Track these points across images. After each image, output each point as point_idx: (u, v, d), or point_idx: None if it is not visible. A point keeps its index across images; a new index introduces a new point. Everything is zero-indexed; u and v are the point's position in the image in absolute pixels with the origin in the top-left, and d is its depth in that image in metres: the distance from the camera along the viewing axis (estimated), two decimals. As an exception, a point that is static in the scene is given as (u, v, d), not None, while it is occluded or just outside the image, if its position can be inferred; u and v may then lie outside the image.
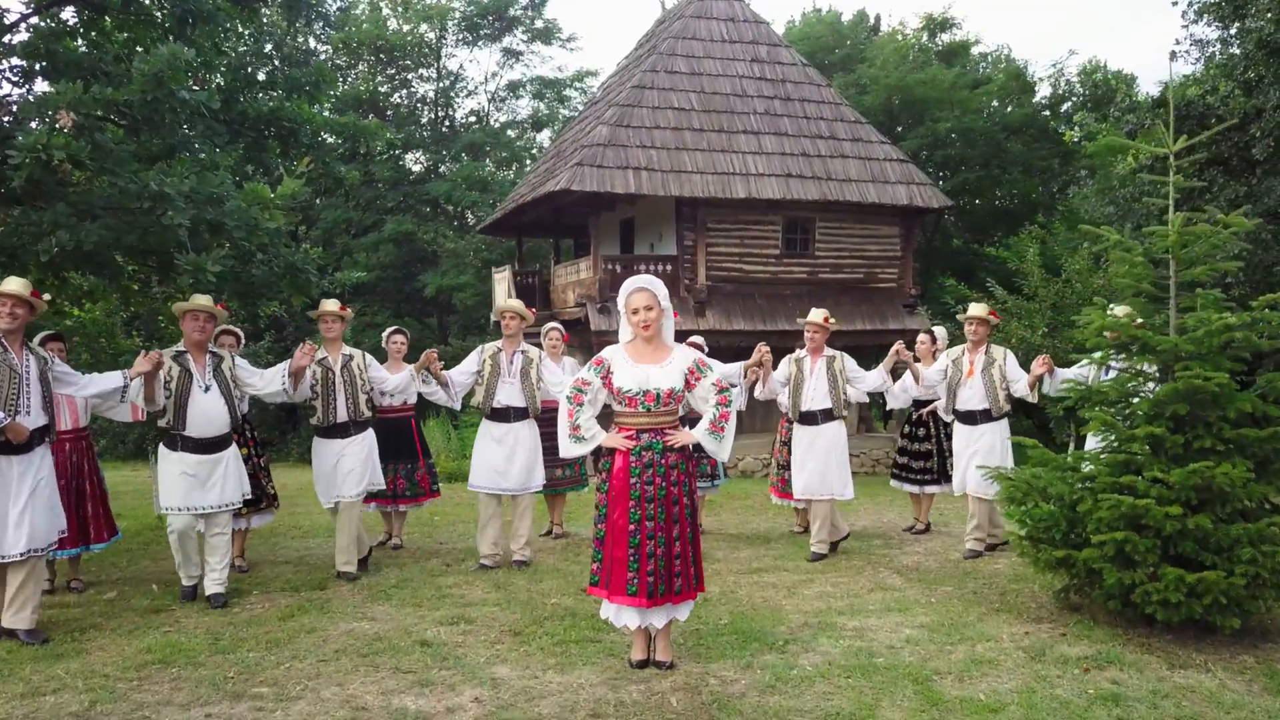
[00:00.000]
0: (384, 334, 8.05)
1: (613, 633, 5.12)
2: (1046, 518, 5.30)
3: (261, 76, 8.76)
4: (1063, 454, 5.89)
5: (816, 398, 7.35)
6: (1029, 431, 22.42)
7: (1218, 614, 4.72)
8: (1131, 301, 5.43)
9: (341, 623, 5.46)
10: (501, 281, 19.60)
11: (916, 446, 8.57)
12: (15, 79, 7.26)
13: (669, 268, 16.02)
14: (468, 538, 8.48)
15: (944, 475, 8.40)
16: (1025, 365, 7.53)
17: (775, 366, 7.50)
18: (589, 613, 5.56)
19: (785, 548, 7.95)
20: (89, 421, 6.53)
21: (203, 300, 5.85)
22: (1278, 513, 4.98)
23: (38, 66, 6.89)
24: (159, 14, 7.45)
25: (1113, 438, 5.28)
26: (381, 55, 28.60)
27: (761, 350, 6.86)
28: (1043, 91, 27.68)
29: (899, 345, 7.25)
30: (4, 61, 7.21)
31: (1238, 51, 13.29)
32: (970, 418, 7.28)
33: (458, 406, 7.45)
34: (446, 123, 30.40)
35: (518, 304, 7.26)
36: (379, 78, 29.16)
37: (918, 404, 8.40)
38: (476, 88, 31.85)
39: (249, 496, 6.29)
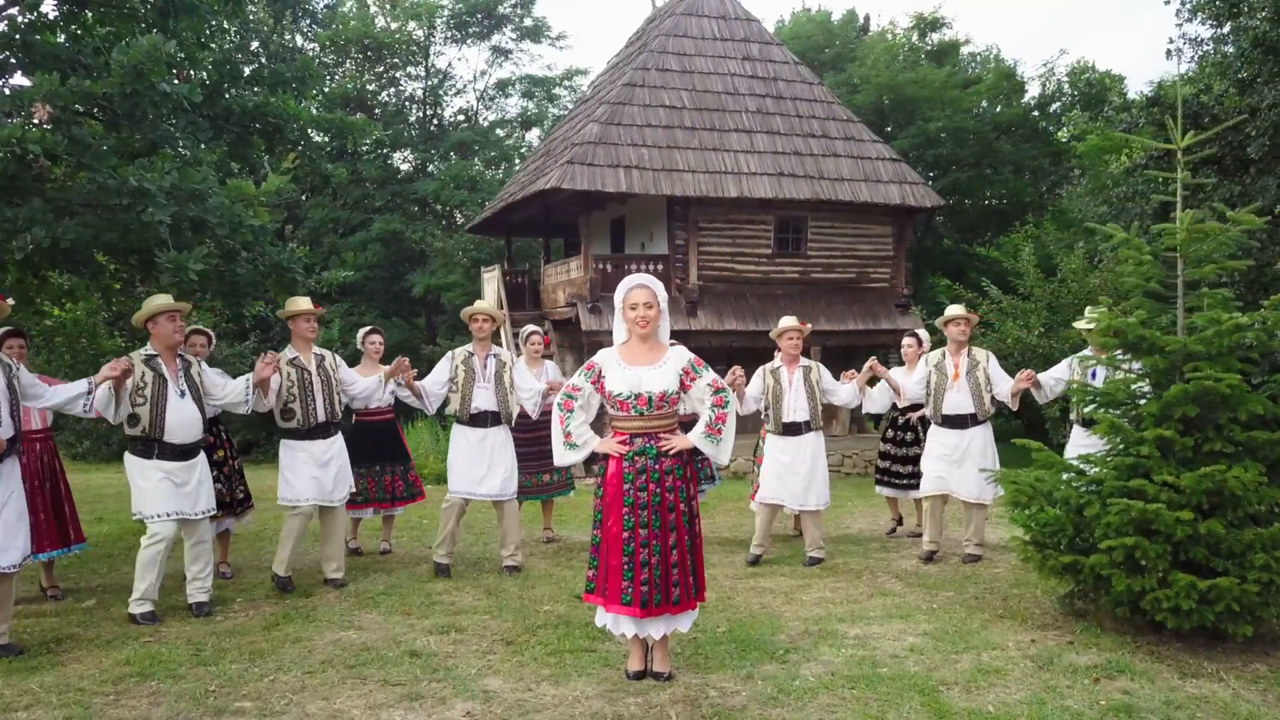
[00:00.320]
0: (360, 333, 7.83)
1: (608, 642, 4.98)
2: (1052, 522, 5.17)
3: (247, 72, 8.55)
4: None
5: (798, 409, 7.24)
6: (1019, 432, 22.46)
7: (1229, 621, 4.60)
8: (1139, 301, 5.30)
9: (328, 632, 5.29)
10: (491, 281, 19.43)
11: (904, 451, 8.43)
12: (-11, 72, 7.07)
13: (660, 267, 15.89)
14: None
15: None
16: (1025, 366, 7.47)
17: (748, 381, 7.32)
18: (583, 620, 5.41)
19: (781, 551, 7.81)
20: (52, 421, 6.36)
21: (171, 298, 5.63)
22: (1289, 517, 4.87)
23: (13, 60, 6.69)
24: (143, 8, 7.26)
25: (1119, 440, 5.16)
26: (369, 53, 28.38)
27: (734, 373, 6.72)
28: (1033, 91, 27.68)
29: (872, 362, 7.23)
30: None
31: (1231, 50, 13.23)
32: (960, 422, 7.15)
33: (431, 412, 7.29)
34: (435, 121, 30.19)
35: (488, 305, 7.08)
36: (366, 76, 28.92)
37: (902, 407, 8.28)
38: (465, 86, 31.80)
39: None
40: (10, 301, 5.57)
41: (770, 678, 4.45)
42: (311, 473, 6.35)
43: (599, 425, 4.62)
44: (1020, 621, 5.42)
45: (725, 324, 15.83)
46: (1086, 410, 5.46)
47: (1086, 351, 7.13)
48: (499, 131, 30.74)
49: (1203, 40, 13.80)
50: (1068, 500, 5.18)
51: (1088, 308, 7.31)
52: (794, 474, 7.21)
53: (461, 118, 30.99)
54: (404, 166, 29.43)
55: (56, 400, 5.30)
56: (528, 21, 29.65)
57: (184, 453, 5.59)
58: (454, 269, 25.26)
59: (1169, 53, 13.68)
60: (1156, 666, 4.58)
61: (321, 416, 6.38)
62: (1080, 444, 6.91)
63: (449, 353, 6.97)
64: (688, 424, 4.52)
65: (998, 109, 26.52)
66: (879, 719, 3.98)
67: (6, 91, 6.22)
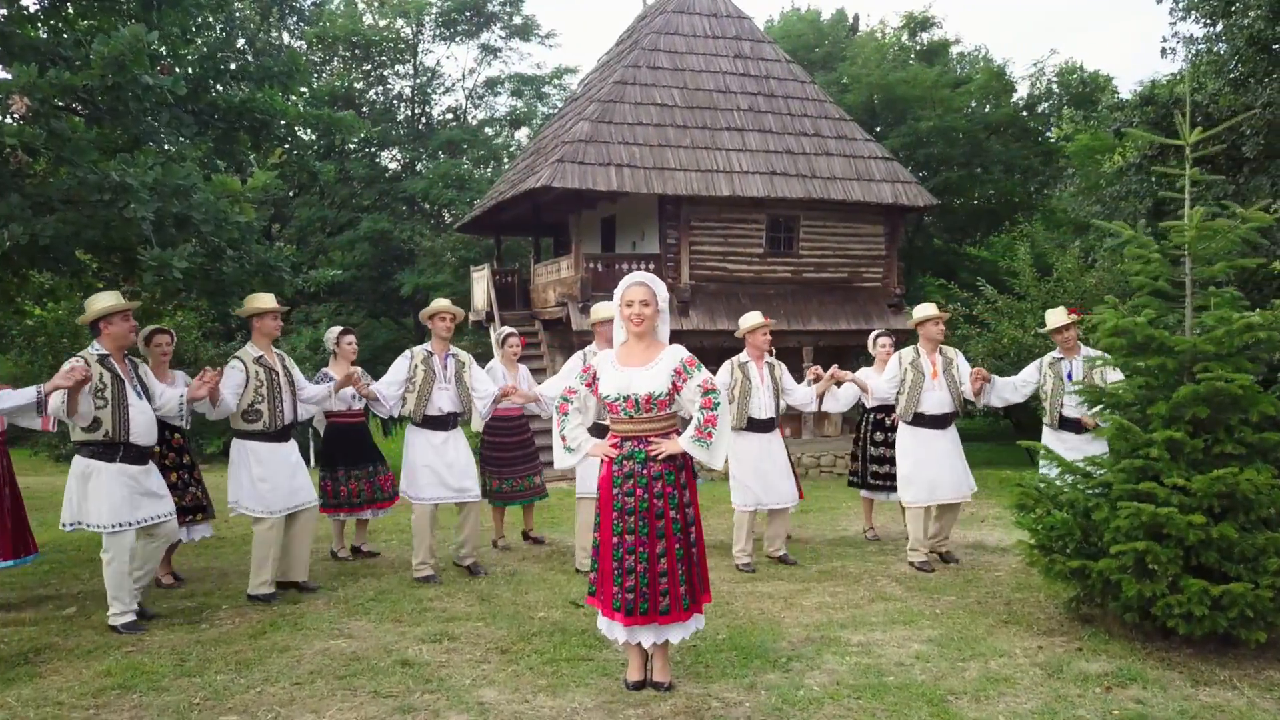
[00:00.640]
0: (331, 333, 7.57)
1: (605, 650, 4.85)
2: (1059, 526, 5.06)
3: (233, 67, 8.37)
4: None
5: (766, 406, 7.16)
6: (1009, 433, 22.40)
7: (1243, 627, 4.49)
8: (1146, 300, 5.20)
9: (316, 640, 5.13)
10: (480, 280, 19.28)
11: (891, 453, 8.29)
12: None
13: (652, 266, 15.76)
14: (447, 544, 8.17)
15: None
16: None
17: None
18: (579, 628, 5.28)
19: (778, 554, 7.69)
20: None
21: (120, 297, 5.44)
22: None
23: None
24: (126, 3, 7.08)
25: (1126, 442, 5.05)
26: (357, 51, 28.15)
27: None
28: (1023, 91, 27.68)
29: (834, 370, 7.20)
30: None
31: (1225, 48, 13.19)
32: (939, 421, 7.08)
33: (385, 415, 7.10)
34: (423, 120, 29.98)
35: (446, 303, 6.92)
36: (354, 74, 28.69)
37: (871, 407, 8.18)
38: (454, 85, 31.51)
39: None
40: None
41: (774, 687, 4.32)
42: (282, 479, 6.09)
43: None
44: (1026, 627, 5.31)
45: (717, 324, 15.70)
46: (1092, 412, 5.34)
47: (1056, 353, 7.13)
48: (488, 130, 30.56)
49: (1196, 39, 13.74)
50: (1075, 503, 5.07)
51: (1048, 311, 7.31)
52: (769, 472, 7.09)
53: (450, 116, 30.80)
54: (392, 165, 29.23)
55: (6, 405, 5.06)
56: (517, 20, 29.51)
57: (144, 455, 5.41)
58: (442, 268, 25.07)
59: (1163, 51, 13.60)
60: (1168, 674, 4.48)
61: (287, 418, 6.16)
62: (1057, 446, 6.80)
63: (407, 351, 6.77)
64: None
65: (986, 109, 26.48)
66: (887, 731, 3.87)
67: (-17, 84, 6.02)
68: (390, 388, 6.62)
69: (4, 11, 6.74)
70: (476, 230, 21.61)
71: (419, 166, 28.34)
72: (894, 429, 8.21)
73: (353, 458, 7.50)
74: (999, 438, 23.37)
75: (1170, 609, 4.54)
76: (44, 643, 5.13)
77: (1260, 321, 4.71)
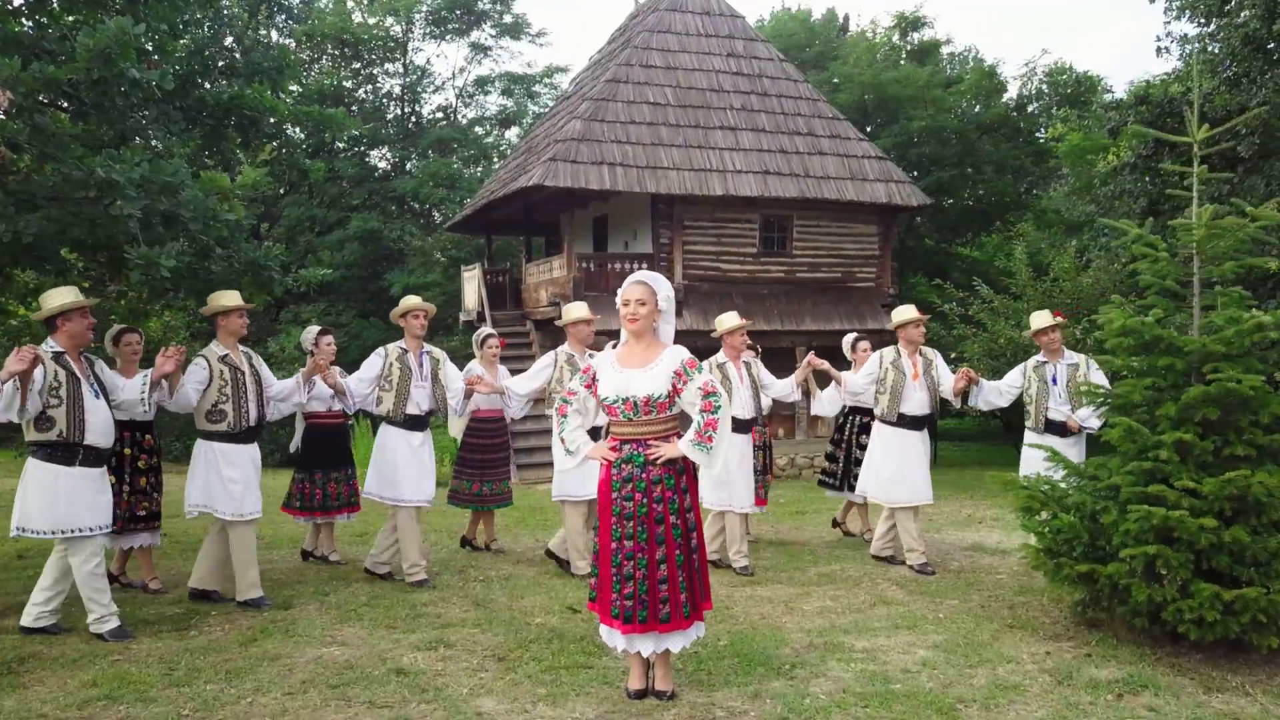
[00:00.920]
0: (309, 333, 7.36)
1: (605, 657, 4.74)
2: (1066, 529, 4.97)
3: (221, 64, 8.23)
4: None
5: (746, 406, 7.10)
6: (998, 433, 22.39)
7: (1255, 632, 4.42)
8: (1154, 299, 5.12)
9: (308, 648, 5.01)
10: (471, 280, 19.13)
11: None
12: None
13: (645, 266, 15.64)
14: (440, 548, 8.06)
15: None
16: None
17: None
18: (578, 634, 5.17)
19: (775, 557, 7.61)
20: None
21: (78, 293, 5.27)
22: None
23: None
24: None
25: (1134, 444, 4.96)
26: (346, 49, 27.94)
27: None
28: (1014, 91, 27.67)
29: (811, 357, 7.13)
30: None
31: (1219, 48, 13.16)
32: (918, 422, 7.08)
33: (351, 411, 7.03)
34: (413, 119, 29.80)
35: (417, 300, 6.77)
36: (343, 72, 28.49)
37: (870, 411, 8.12)
38: (444, 83, 31.25)
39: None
40: None
41: (779, 696, 4.22)
42: (253, 481, 5.94)
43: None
44: (1031, 632, 5.22)
45: (710, 324, 15.58)
46: (1099, 413, 5.25)
47: (1039, 357, 7.15)
48: (478, 129, 30.39)
49: (1190, 38, 13.71)
50: (1082, 506, 4.99)
51: (1033, 314, 7.36)
52: (743, 472, 7.03)
53: (440, 115, 30.61)
54: (381, 164, 29.03)
55: None
56: (507, 18, 29.30)
57: (101, 458, 5.25)
58: (432, 268, 24.91)
59: (1158, 50, 13.58)
60: (1180, 680, 4.40)
61: (253, 419, 6.00)
62: (1038, 449, 6.83)
63: (380, 349, 6.64)
64: None
65: (975, 109, 26.47)
66: (897, 741, 3.78)
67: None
68: (361, 384, 6.49)
69: None
70: (467, 230, 21.47)
71: (409, 166, 28.15)
72: None
73: (331, 460, 7.36)
74: (988, 438, 23.38)
75: (1181, 614, 4.46)
76: (27, 651, 4.98)
77: (1271, 321, 4.64)
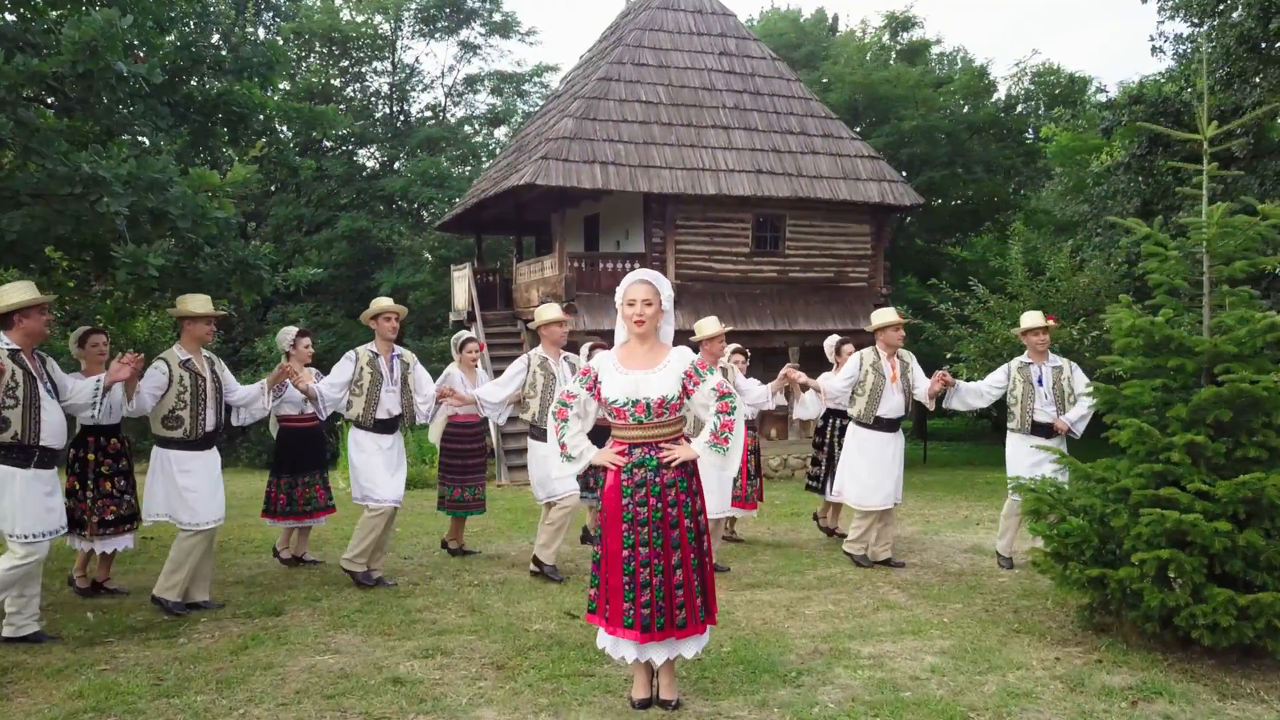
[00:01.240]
0: (287, 334, 7.23)
1: (607, 665, 4.62)
2: (1074, 532, 4.88)
3: (209, 58, 8.07)
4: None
5: None
6: (988, 432, 22.37)
7: (1269, 638, 4.34)
8: (1163, 299, 5.04)
9: (301, 656, 4.88)
10: (461, 280, 18.99)
11: None
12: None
13: (637, 265, 15.53)
14: (433, 551, 7.94)
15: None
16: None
17: None
18: (577, 641, 5.05)
19: (773, 560, 7.51)
20: None
21: (35, 289, 5.10)
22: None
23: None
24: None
25: (1144, 446, 4.88)
26: (334, 47, 27.73)
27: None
28: (1005, 91, 27.71)
29: (787, 369, 7.10)
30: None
31: (1214, 47, 13.14)
32: (894, 425, 7.09)
33: (324, 417, 6.91)
34: (402, 118, 29.61)
35: (389, 302, 6.67)
36: (332, 70, 28.27)
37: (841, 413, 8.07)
38: (433, 82, 31.12)
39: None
40: None
41: (787, 704, 4.12)
42: (208, 490, 5.77)
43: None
44: (1039, 637, 5.14)
45: (703, 324, 15.50)
46: (1107, 416, 5.17)
47: (1024, 358, 7.15)
48: (467, 128, 30.21)
49: (1186, 36, 13.69)
50: (1091, 509, 4.90)
51: (1024, 314, 7.36)
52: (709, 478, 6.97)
53: (429, 114, 30.43)
54: (370, 163, 28.83)
55: None
56: (496, 16, 29.17)
57: (55, 459, 5.08)
58: (421, 268, 24.74)
59: (1153, 50, 13.55)
60: (1194, 687, 4.31)
61: (210, 426, 5.83)
62: (1027, 450, 6.90)
63: (350, 353, 6.52)
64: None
65: (964, 109, 26.48)
66: (910, 751, 3.68)
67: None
68: (333, 389, 6.36)
69: None
70: (457, 229, 21.32)
71: (397, 165, 27.96)
72: None
73: (304, 464, 7.24)
74: (978, 437, 23.38)
75: (1195, 619, 4.38)
76: (10, 661, 4.83)
77: (1283, 321, 4.57)
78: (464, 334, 7.91)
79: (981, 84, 26.58)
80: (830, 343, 8.44)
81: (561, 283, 15.45)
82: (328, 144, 26.74)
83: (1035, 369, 7.04)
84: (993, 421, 15.47)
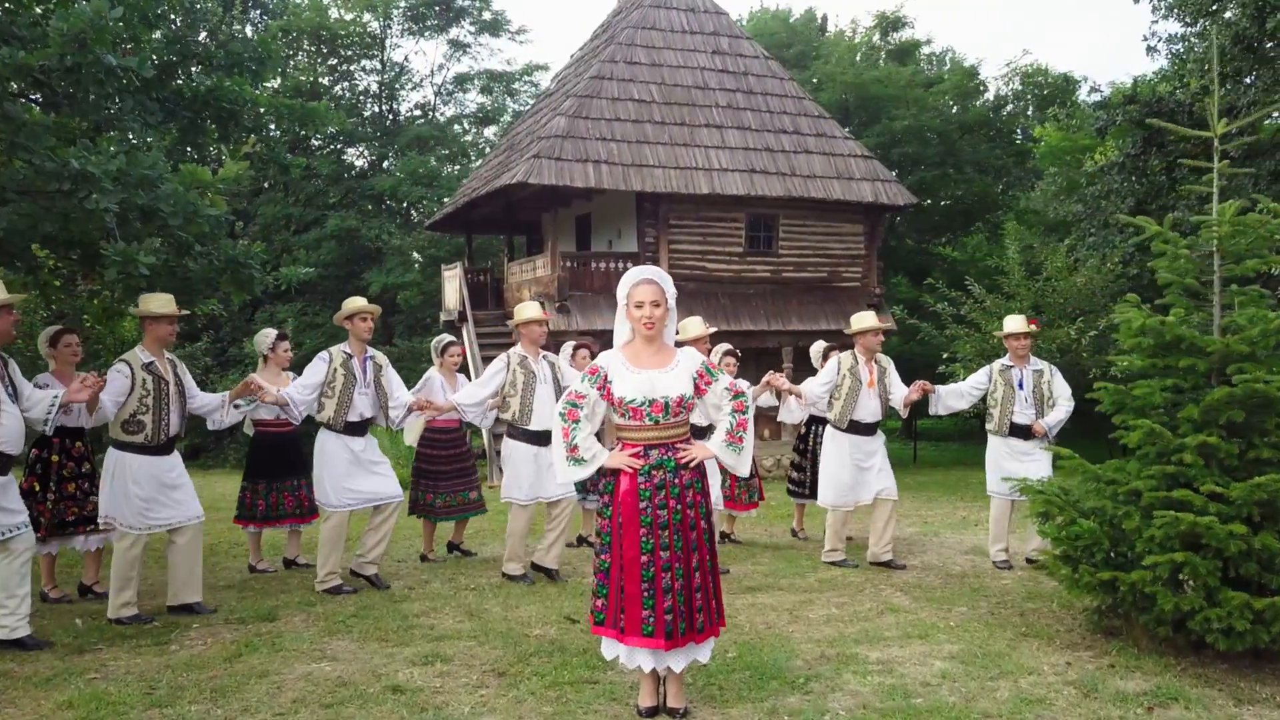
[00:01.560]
0: (266, 337, 7.09)
1: (609, 671, 4.53)
2: (1085, 535, 4.81)
3: (198, 52, 7.93)
4: None
5: (701, 413, 6.95)
6: (975, 432, 22.35)
7: (1284, 642, 4.28)
8: (1173, 298, 4.98)
9: (297, 664, 4.76)
10: (452, 279, 18.85)
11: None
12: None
13: (629, 265, 15.41)
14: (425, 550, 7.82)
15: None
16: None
17: None
18: (579, 647, 4.95)
19: (773, 562, 7.43)
20: None
21: (3, 290, 4.99)
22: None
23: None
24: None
25: (1154, 447, 4.81)
26: (323, 45, 27.51)
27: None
28: (995, 91, 27.75)
29: (769, 376, 7.07)
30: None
31: (1207, 46, 13.14)
32: (871, 429, 7.10)
33: (297, 422, 6.76)
34: (391, 117, 29.41)
35: (363, 302, 6.54)
36: (320, 68, 28.05)
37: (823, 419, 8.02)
38: (422, 81, 30.93)
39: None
40: None
41: (797, 712, 4.03)
42: (162, 495, 5.63)
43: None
44: (1048, 641, 5.06)
45: (696, 324, 15.42)
46: (1116, 417, 5.10)
47: (1006, 360, 7.19)
48: (457, 127, 30.03)
49: (1180, 36, 13.68)
50: (1101, 511, 4.83)
51: (1007, 317, 7.42)
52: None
53: (418, 113, 30.23)
54: (359, 162, 28.63)
55: None
56: (486, 15, 28.98)
57: (10, 465, 4.95)
58: (411, 268, 24.58)
59: (1149, 49, 13.54)
60: (1209, 692, 4.24)
61: (172, 431, 5.70)
62: (1006, 452, 7.07)
63: (324, 353, 6.37)
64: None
65: (953, 109, 26.49)
66: (926, 761, 3.59)
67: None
68: (305, 391, 6.22)
69: None
70: (447, 228, 21.18)
71: (386, 164, 27.77)
72: None
73: (277, 470, 7.11)
74: (966, 437, 23.39)
75: (1209, 623, 4.31)
76: (-2, 670, 4.71)
77: (1298, 320, 4.51)
78: (446, 338, 7.79)
79: (971, 84, 26.60)
80: (817, 348, 8.41)
81: (554, 282, 15.35)
82: (316, 142, 26.53)
83: (1016, 372, 7.12)
84: (980, 421, 15.42)
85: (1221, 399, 4.53)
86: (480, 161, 23.94)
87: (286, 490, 7.14)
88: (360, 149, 28.43)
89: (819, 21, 32.15)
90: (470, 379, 7.79)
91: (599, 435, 4.06)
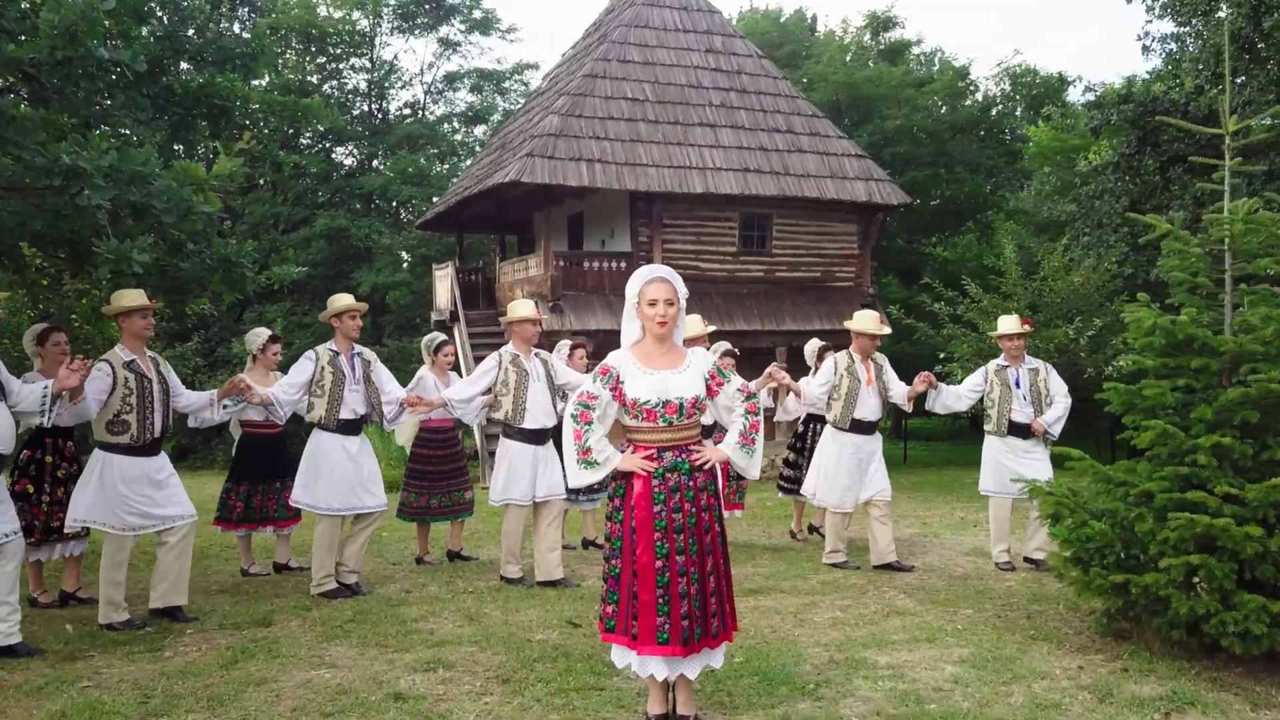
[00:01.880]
0: (258, 337, 6.99)
1: (615, 677, 4.44)
2: (1096, 537, 4.75)
3: (190, 49, 7.81)
4: None
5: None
6: (965, 432, 22.35)
7: (1301, 646, 4.22)
8: (1184, 297, 4.92)
9: (295, 671, 4.66)
10: (443, 279, 18.74)
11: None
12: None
13: (623, 264, 15.36)
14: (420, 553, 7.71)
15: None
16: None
17: None
18: (583, 652, 4.86)
19: (773, 564, 7.36)
20: None
21: None
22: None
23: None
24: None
25: (1166, 448, 4.76)
26: (311, 44, 27.34)
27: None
28: (986, 91, 27.77)
29: (772, 368, 6.98)
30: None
31: (1200, 46, 13.14)
32: (870, 427, 7.10)
33: (282, 422, 6.65)
34: (380, 115, 29.25)
35: (350, 299, 6.45)
36: (309, 67, 27.86)
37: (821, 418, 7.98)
38: (412, 79, 30.77)
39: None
40: None
41: (809, 718, 3.95)
42: (148, 496, 5.49)
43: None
44: (1058, 644, 5.00)
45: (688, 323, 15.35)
46: (1126, 417, 5.04)
47: (1001, 360, 7.21)
48: (446, 126, 29.89)
49: (1176, 35, 13.68)
50: (1113, 513, 4.77)
51: (1001, 317, 7.45)
52: None
53: (408, 112, 30.08)
54: (348, 161, 28.46)
55: None
56: (476, 13, 28.88)
57: (2, 465, 4.83)
58: (400, 267, 24.44)
59: (1144, 49, 13.54)
60: (1225, 697, 4.19)
61: (158, 430, 5.57)
62: (1004, 450, 7.04)
63: (310, 352, 6.27)
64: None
65: (943, 109, 26.51)
66: (943, 769, 3.52)
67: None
68: (290, 390, 6.12)
69: None
70: (438, 227, 21.05)
71: (375, 163, 27.61)
72: None
73: (263, 471, 6.99)
74: (956, 437, 23.40)
75: (1225, 626, 4.25)
76: (-13, 678, 4.59)
77: (1313, 320, 4.46)
78: (438, 336, 7.68)
79: (961, 84, 26.62)
80: (811, 347, 8.36)
81: (548, 282, 15.26)
82: (305, 141, 26.35)
83: (1012, 372, 7.12)
84: (970, 420, 15.43)
85: (1235, 399, 4.48)
86: (471, 160, 23.81)
87: (271, 492, 7.02)
88: (349, 148, 28.28)
89: (809, 21, 32.16)
90: (462, 378, 7.70)
91: None
